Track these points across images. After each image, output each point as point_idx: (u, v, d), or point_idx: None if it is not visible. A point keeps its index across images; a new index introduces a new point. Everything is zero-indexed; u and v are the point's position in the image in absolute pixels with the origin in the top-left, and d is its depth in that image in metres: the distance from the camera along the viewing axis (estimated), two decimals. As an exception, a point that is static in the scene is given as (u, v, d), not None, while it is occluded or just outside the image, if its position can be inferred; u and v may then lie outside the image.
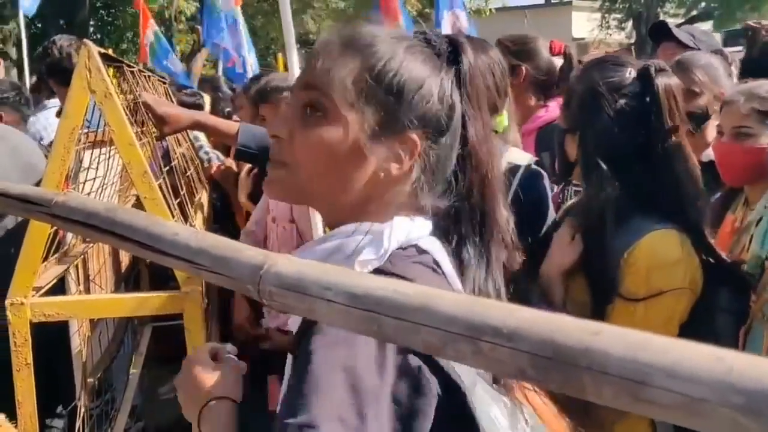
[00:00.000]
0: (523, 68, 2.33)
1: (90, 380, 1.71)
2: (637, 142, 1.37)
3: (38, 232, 1.32)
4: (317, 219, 1.60)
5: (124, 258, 2.46)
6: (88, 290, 1.83)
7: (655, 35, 3.05)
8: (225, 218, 3.21)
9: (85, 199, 0.90)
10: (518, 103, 2.20)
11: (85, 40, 1.32)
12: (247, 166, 2.81)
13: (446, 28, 5.72)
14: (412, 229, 0.80)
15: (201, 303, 1.33)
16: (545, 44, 2.42)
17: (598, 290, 1.34)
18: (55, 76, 3.35)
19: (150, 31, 6.44)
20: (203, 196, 2.74)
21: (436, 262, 0.80)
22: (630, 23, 24.26)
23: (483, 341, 0.48)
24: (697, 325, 1.37)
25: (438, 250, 0.82)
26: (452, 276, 0.81)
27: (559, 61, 2.43)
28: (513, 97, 2.33)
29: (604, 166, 1.34)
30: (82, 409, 1.62)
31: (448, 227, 0.84)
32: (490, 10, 21.75)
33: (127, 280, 2.50)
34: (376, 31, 0.83)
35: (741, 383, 0.37)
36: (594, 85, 1.41)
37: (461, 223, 0.83)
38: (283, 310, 0.64)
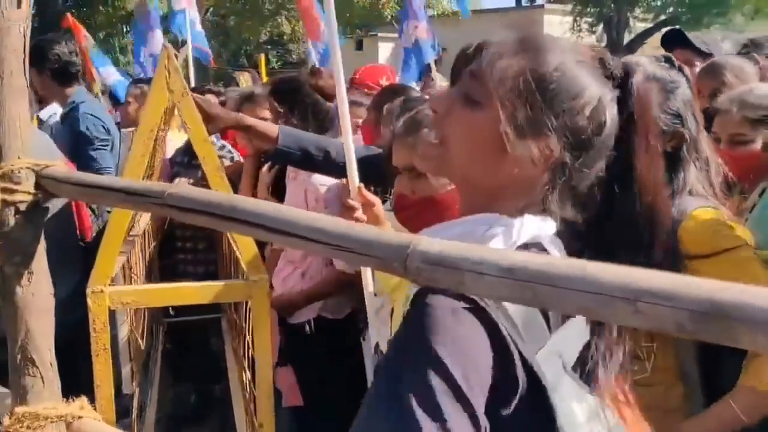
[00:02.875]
0: None
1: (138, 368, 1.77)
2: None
3: (119, 223, 1.38)
4: None
5: (147, 253, 2.52)
6: (129, 281, 1.89)
7: (668, 42, 3.18)
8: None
9: (198, 190, 0.97)
10: None
11: (165, 43, 1.39)
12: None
13: (408, 39, 5.90)
14: (541, 227, 0.85)
15: (267, 292, 1.40)
16: None
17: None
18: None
19: (87, 43, 6.29)
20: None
21: None
22: (600, 27, 24.67)
23: (641, 302, 0.57)
24: None
25: (560, 252, 0.87)
26: None
27: None
28: None
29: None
30: (135, 397, 1.68)
31: (586, 240, 0.88)
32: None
33: (149, 274, 2.56)
34: (553, 41, 0.87)
35: None
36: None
37: (617, 245, 0.85)
38: (429, 284, 0.72)
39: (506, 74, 0.84)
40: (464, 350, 0.74)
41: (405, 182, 1.49)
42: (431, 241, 0.73)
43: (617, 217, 0.87)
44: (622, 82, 0.87)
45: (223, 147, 3.36)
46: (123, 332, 1.77)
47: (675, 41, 3.21)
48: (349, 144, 1.64)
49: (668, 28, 5.06)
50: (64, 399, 1.23)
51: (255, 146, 2.88)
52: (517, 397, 0.76)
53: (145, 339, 2.13)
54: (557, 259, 0.64)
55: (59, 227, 2.11)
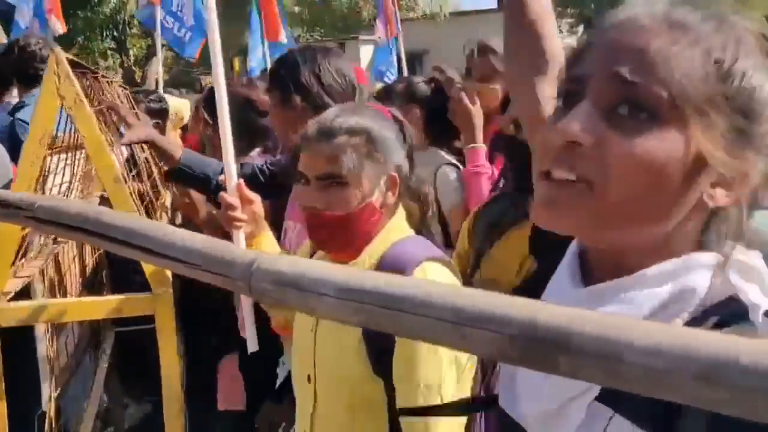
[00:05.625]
0: None
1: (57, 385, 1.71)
2: None
3: (7, 237, 1.31)
4: None
5: (89, 262, 2.45)
6: (56, 294, 1.82)
7: None
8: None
9: (69, 202, 0.92)
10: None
11: (53, 47, 1.32)
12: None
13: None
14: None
15: (172, 304, 1.34)
16: None
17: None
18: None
19: None
20: (167, 199, 2.75)
21: None
22: (581, 28, 24.73)
23: (467, 327, 0.53)
24: None
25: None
26: None
27: None
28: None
29: None
30: (52, 414, 1.62)
31: None
32: (445, 15, 21.97)
33: (92, 284, 2.49)
34: (710, 16, 0.63)
35: (696, 354, 0.43)
36: None
37: None
38: (277, 305, 0.68)
39: (693, 74, 0.61)
40: None
41: (314, 194, 1.33)
42: (281, 258, 0.68)
43: None
44: None
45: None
46: (41, 348, 1.70)
47: None
48: (228, 142, 1.57)
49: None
50: None
51: None
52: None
53: (77, 352, 2.06)
54: (394, 278, 0.59)
55: None
